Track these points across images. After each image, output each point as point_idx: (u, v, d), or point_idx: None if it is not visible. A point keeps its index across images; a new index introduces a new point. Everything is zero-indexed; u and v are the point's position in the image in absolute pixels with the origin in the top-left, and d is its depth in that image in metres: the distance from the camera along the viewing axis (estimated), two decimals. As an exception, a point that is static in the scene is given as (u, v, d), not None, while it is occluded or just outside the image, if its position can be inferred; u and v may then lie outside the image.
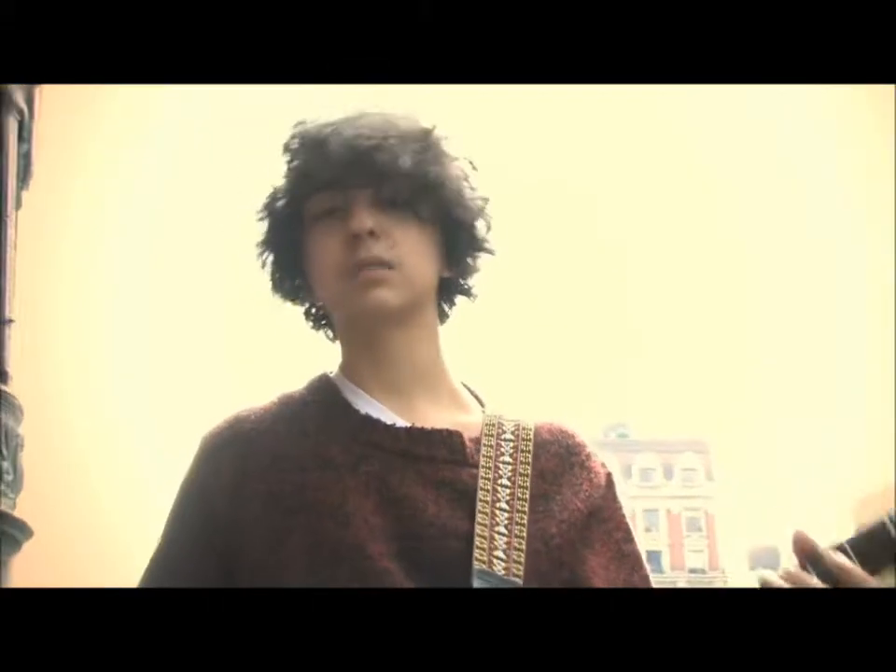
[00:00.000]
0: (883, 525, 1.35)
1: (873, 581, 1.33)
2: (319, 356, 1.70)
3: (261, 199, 1.60)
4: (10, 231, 10.13)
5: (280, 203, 1.57)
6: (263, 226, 1.60)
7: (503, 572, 1.45)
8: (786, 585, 1.32)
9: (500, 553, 1.46)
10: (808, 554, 1.34)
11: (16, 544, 9.91)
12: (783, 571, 1.35)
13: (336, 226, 1.51)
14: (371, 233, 1.48)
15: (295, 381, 1.66)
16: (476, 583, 1.43)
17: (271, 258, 1.61)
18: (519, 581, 1.45)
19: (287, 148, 1.57)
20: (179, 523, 1.57)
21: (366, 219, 1.49)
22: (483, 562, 1.44)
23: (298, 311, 1.67)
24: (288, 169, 1.56)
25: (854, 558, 1.34)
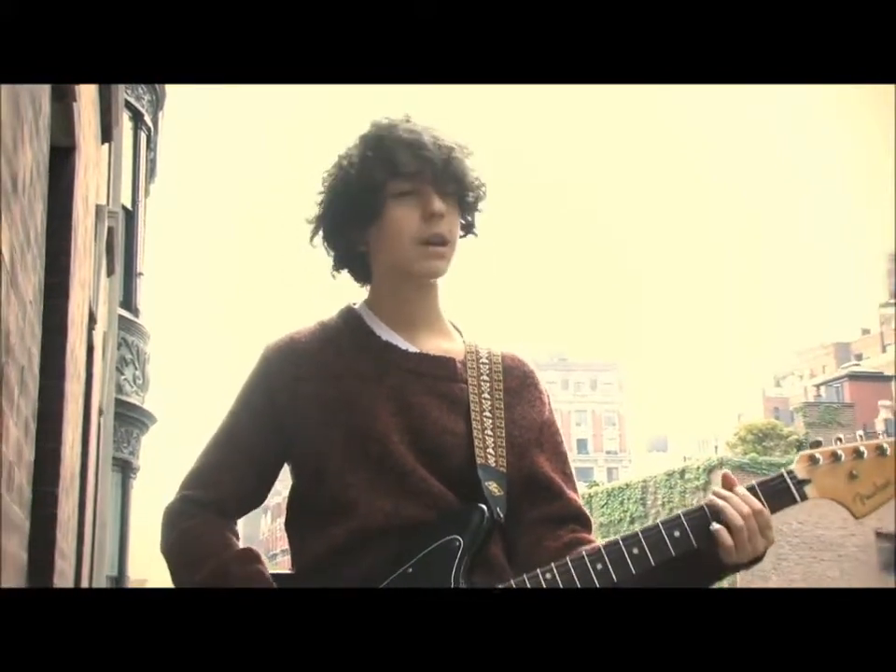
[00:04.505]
0: (782, 476, 1.35)
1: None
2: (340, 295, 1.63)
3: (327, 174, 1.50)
4: (141, 212, 10.28)
5: (363, 180, 1.44)
6: (340, 195, 1.48)
7: (494, 465, 1.43)
8: (720, 502, 1.33)
9: (491, 451, 1.44)
10: (728, 486, 1.36)
11: (144, 427, 10.69)
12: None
13: (413, 204, 1.44)
14: (442, 215, 1.44)
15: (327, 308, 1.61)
16: (480, 474, 1.40)
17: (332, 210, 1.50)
18: (503, 471, 1.42)
19: (369, 139, 1.46)
20: (245, 405, 1.50)
21: (439, 203, 1.44)
22: (482, 458, 1.42)
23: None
24: (374, 154, 1.44)
25: (760, 496, 1.33)
